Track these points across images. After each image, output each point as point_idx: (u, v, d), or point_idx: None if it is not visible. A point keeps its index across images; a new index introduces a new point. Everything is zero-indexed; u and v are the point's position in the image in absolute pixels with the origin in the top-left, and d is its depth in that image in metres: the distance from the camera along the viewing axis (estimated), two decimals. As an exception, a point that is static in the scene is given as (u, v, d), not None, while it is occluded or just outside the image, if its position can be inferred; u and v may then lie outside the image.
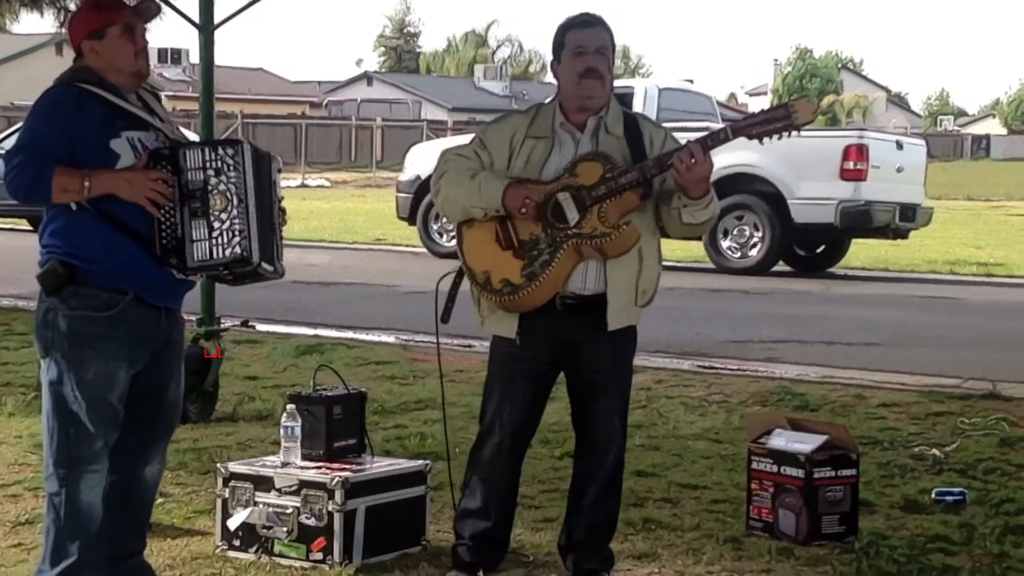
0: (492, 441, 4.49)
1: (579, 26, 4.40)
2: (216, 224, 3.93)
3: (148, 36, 4.12)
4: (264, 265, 4.03)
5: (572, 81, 4.36)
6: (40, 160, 3.87)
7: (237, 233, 3.93)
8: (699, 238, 4.35)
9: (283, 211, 4.20)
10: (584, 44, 4.36)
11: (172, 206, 3.93)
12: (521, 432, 4.51)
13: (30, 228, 19.04)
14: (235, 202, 3.93)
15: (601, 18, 4.43)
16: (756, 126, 4.28)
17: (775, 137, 4.26)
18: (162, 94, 4.29)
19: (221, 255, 3.94)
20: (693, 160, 4.19)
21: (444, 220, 15.00)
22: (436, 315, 4.52)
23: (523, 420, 4.49)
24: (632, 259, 4.33)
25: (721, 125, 4.76)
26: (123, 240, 3.93)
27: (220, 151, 3.97)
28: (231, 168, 3.95)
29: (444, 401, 5.16)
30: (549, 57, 4.56)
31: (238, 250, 3.94)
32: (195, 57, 7.75)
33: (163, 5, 6.30)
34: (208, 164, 3.94)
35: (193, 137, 6.09)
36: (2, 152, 14.08)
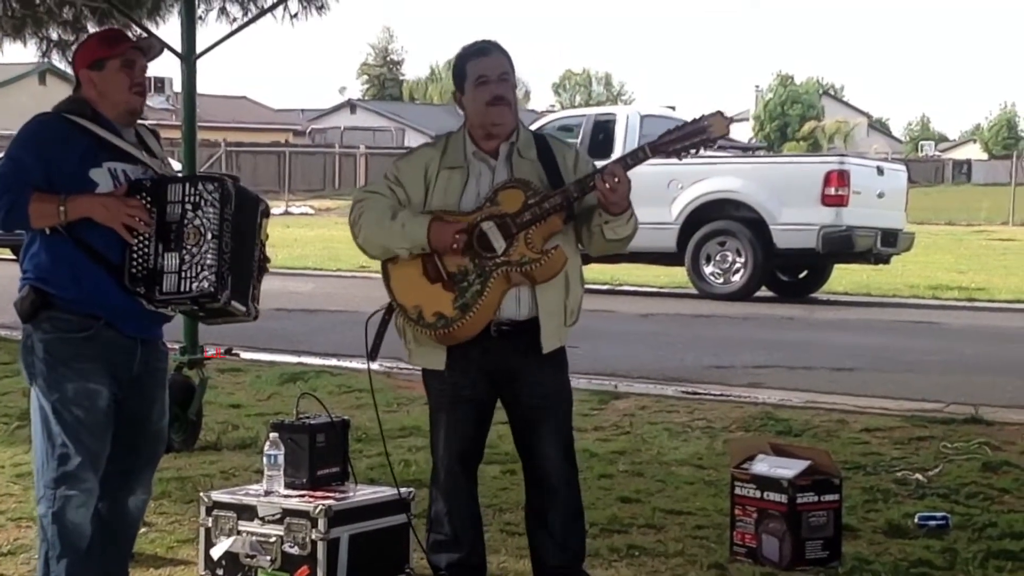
0: (444, 470, 4.52)
1: (477, 54, 4.43)
2: (187, 257, 3.94)
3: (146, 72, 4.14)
4: (235, 304, 4.02)
5: (479, 110, 4.39)
6: (18, 188, 3.90)
7: (207, 267, 3.93)
8: (616, 257, 4.43)
9: (266, 258, 4.22)
10: (486, 73, 4.39)
11: (147, 237, 3.95)
12: (469, 456, 4.54)
13: (12, 257, 19.00)
14: (208, 237, 3.94)
15: (498, 44, 4.47)
16: (673, 143, 4.36)
17: (692, 152, 4.35)
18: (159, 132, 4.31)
19: (188, 288, 3.94)
20: (617, 180, 4.24)
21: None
22: (367, 353, 4.53)
23: (469, 445, 4.52)
24: (559, 282, 4.38)
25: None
26: (93, 267, 3.95)
27: (200, 186, 3.98)
28: (208, 204, 3.96)
29: (383, 434, 5.37)
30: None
31: (205, 284, 3.94)
32: (178, 86, 7.74)
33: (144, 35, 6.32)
34: (187, 198, 3.96)
35: (178, 167, 6.10)
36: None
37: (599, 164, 4.44)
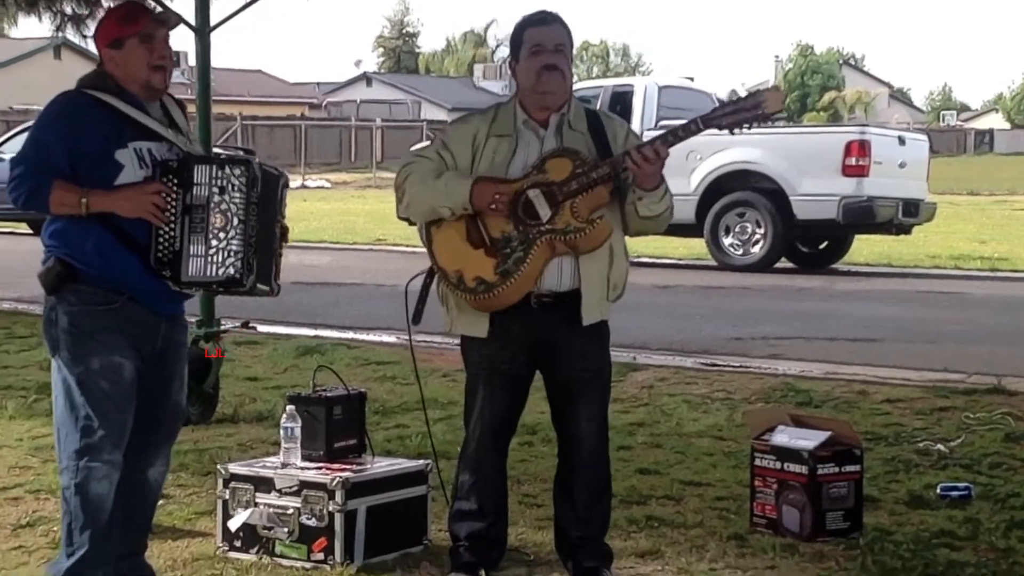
0: (475, 442, 4.49)
1: (536, 24, 4.39)
2: (214, 242, 3.95)
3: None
4: (259, 286, 4.06)
5: (532, 79, 4.36)
6: (41, 173, 3.92)
7: (233, 254, 3.95)
8: (655, 234, 4.38)
9: (285, 230, 4.21)
10: (542, 42, 4.35)
11: (173, 219, 3.95)
12: (501, 430, 4.51)
13: (30, 231, 19.05)
14: (235, 223, 3.95)
15: (558, 16, 4.42)
16: (726, 116, 4.30)
17: (745, 127, 4.29)
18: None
19: (215, 274, 3.96)
20: (662, 154, 4.21)
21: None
22: (407, 317, 4.51)
23: (503, 418, 4.49)
24: (603, 254, 4.33)
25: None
26: (119, 247, 3.97)
27: (227, 169, 3.98)
28: (236, 188, 3.96)
29: (424, 402, 5.28)
30: None
31: (232, 271, 3.96)
32: (193, 60, 7.71)
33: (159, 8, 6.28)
34: (214, 181, 3.96)
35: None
36: (3, 158, 14.07)
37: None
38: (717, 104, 4.68)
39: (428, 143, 4.55)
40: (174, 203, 3.95)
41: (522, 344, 4.37)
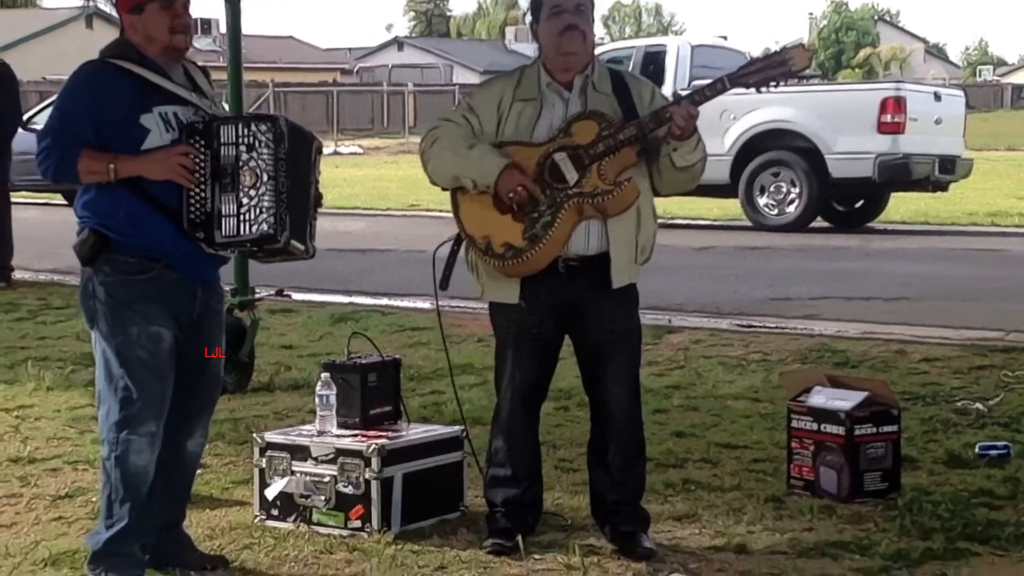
0: (507, 407, 4.49)
1: None
2: (245, 200, 3.95)
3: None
4: (294, 243, 4.04)
5: (552, 40, 4.34)
6: (67, 143, 3.93)
7: (265, 210, 3.95)
8: (688, 193, 4.35)
9: (320, 195, 4.21)
10: (561, 3, 4.33)
11: (203, 181, 3.95)
12: (532, 395, 4.51)
13: (64, 202, 19.15)
14: (264, 179, 3.95)
15: None
16: (753, 74, 4.28)
17: (772, 84, 4.26)
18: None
19: (248, 231, 3.96)
20: (694, 113, 4.19)
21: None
22: (435, 283, 4.51)
23: (533, 383, 4.49)
24: (631, 217, 4.30)
25: None
26: (152, 213, 3.97)
27: (253, 127, 3.98)
28: (263, 144, 3.95)
29: (451, 369, 5.29)
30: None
31: (265, 227, 3.96)
32: (224, 27, 7.70)
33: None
34: (241, 139, 3.96)
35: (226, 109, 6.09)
36: (35, 128, 14.07)
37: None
38: (748, 62, 4.66)
39: (455, 107, 4.52)
40: (202, 164, 3.95)
41: (550, 308, 4.36)
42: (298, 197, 4.06)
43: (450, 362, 5.29)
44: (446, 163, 4.35)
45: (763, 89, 4.29)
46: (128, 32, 4.06)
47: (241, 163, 3.94)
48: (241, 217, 3.94)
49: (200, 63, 4.31)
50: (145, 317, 3.97)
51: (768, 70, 4.26)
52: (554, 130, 4.31)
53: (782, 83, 4.30)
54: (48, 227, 15.37)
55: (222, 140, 3.95)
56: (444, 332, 5.25)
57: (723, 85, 4.29)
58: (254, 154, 3.94)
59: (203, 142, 3.96)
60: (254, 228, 3.95)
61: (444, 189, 4.43)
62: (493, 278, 4.38)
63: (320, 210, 4.24)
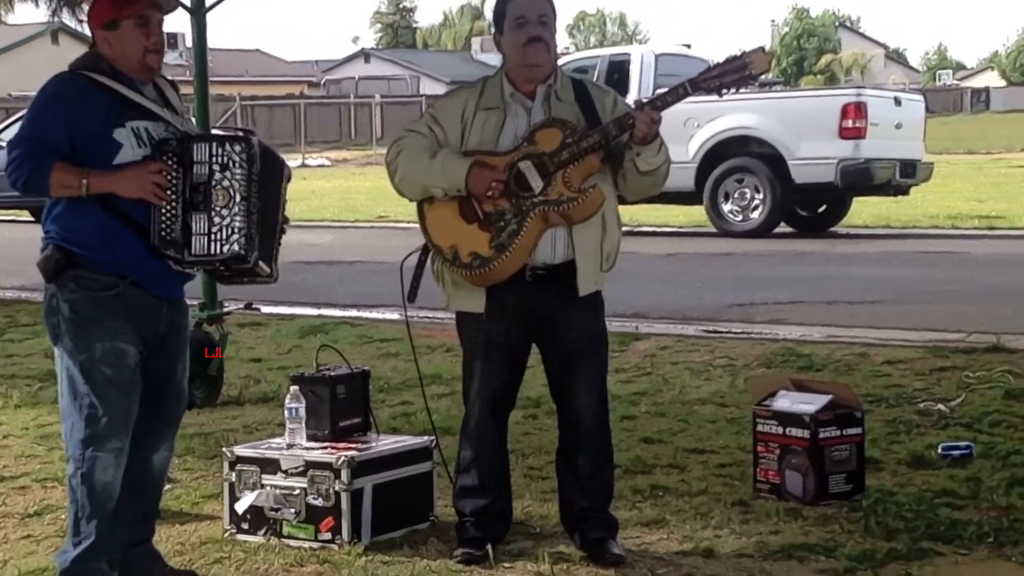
0: (475, 417, 4.52)
1: None
2: (216, 219, 3.95)
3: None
4: (261, 265, 4.05)
5: (516, 52, 4.37)
6: (39, 154, 3.90)
7: (236, 230, 3.95)
8: (653, 200, 4.38)
9: (286, 219, 4.23)
10: (525, 14, 4.36)
11: (175, 199, 3.95)
12: (501, 404, 4.54)
13: (31, 219, 19.05)
14: (237, 199, 3.95)
15: None
16: (714, 79, 4.32)
17: (733, 88, 4.31)
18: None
19: (219, 251, 3.96)
20: (656, 119, 4.23)
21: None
22: (403, 295, 4.54)
23: (501, 392, 4.51)
24: (596, 224, 4.35)
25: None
26: (121, 229, 3.96)
27: (228, 147, 3.98)
28: (237, 165, 3.96)
29: (421, 379, 5.32)
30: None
31: (236, 247, 3.96)
32: (190, 41, 7.71)
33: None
34: (214, 159, 3.96)
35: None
36: (3, 144, 13.99)
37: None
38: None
39: (419, 118, 4.55)
40: (175, 182, 3.94)
41: (517, 317, 4.40)
42: (267, 219, 4.07)
43: (420, 373, 5.32)
44: (413, 174, 4.38)
45: (725, 92, 4.33)
46: (101, 47, 4.04)
47: (214, 182, 3.94)
48: (212, 236, 3.95)
49: (167, 78, 4.30)
50: (110, 333, 3.96)
51: (729, 74, 4.30)
52: (518, 139, 4.34)
53: (743, 87, 4.36)
54: (15, 244, 15.31)
55: (195, 159, 3.95)
56: (413, 343, 5.28)
57: (685, 90, 4.34)
58: (227, 174, 3.95)
59: (176, 160, 3.96)
60: (225, 248, 3.96)
61: (412, 200, 4.47)
62: (459, 288, 4.42)
63: (284, 234, 4.24)
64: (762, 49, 4.36)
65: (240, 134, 4.09)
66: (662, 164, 4.38)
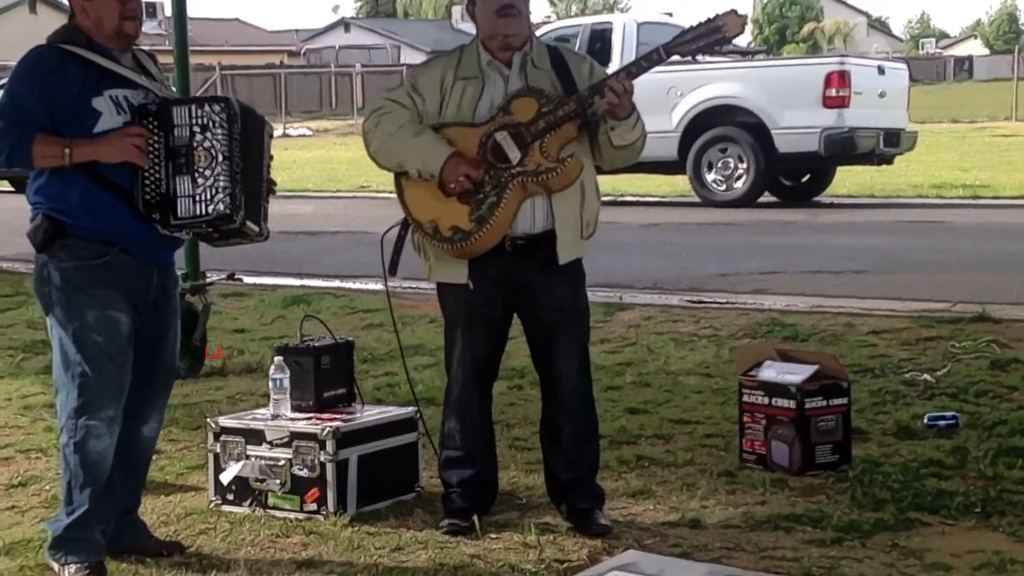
0: (458, 387, 4.50)
1: None
2: (200, 180, 3.94)
3: None
4: (249, 224, 4.04)
5: (490, 20, 4.35)
6: (20, 126, 3.91)
7: (221, 190, 3.94)
8: (635, 170, 4.36)
9: (272, 181, 4.21)
10: None
11: (157, 162, 3.94)
12: (483, 375, 4.53)
13: (11, 190, 18.93)
14: (219, 159, 3.94)
15: None
16: (688, 43, 4.28)
17: (707, 52, 4.31)
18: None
19: (205, 212, 3.95)
20: (628, 88, 4.19)
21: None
22: (384, 268, 4.51)
23: (484, 362, 4.50)
24: (575, 192, 4.33)
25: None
26: (105, 196, 3.96)
27: (207, 107, 3.97)
28: (217, 125, 3.95)
29: (403, 351, 5.35)
30: None
31: (221, 207, 3.95)
32: (169, 10, 7.65)
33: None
34: (194, 120, 3.95)
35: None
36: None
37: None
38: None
39: (398, 86, 4.50)
40: (157, 145, 3.94)
41: (498, 287, 4.38)
42: (252, 178, 4.06)
43: (400, 344, 5.30)
44: (390, 149, 4.35)
45: (699, 57, 4.30)
46: (78, 16, 4.04)
47: (195, 144, 3.93)
48: (197, 197, 3.94)
49: (146, 47, 4.29)
50: (102, 302, 3.96)
51: (702, 38, 4.26)
52: (494, 108, 4.32)
53: (718, 50, 4.32)
54: (-7, 215, 15.19)
55: (175, 121, 3.94)
56: (395, 314, 5.26)
57: (659, 55, 4.29)
58: (208, 134, 3.94)
59: (156, 123, 3.95)
60: (210, 208, 3.94)
61: (385, 170, 4.44)
62: (440, 259, 4.39)
63: (273, 194, 4.24)
64: (734, 11, 4.30)
65: (218, 96, 4.08)
66: (637, 139, 4.36)
